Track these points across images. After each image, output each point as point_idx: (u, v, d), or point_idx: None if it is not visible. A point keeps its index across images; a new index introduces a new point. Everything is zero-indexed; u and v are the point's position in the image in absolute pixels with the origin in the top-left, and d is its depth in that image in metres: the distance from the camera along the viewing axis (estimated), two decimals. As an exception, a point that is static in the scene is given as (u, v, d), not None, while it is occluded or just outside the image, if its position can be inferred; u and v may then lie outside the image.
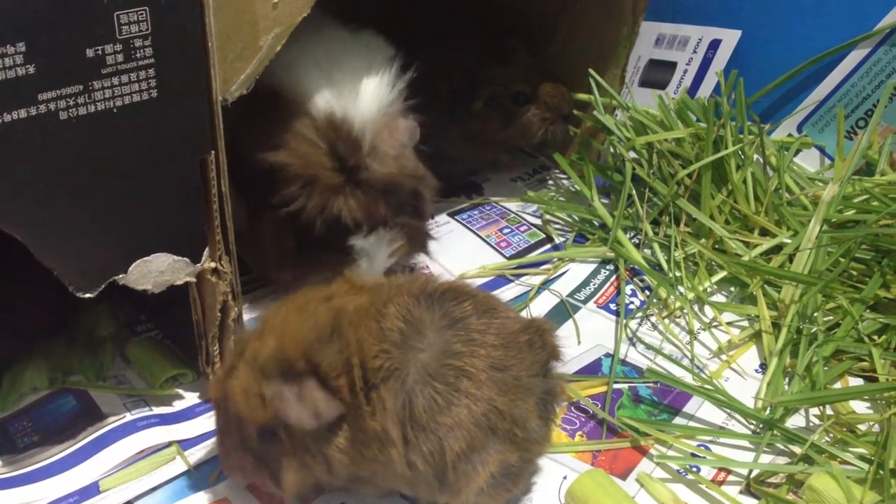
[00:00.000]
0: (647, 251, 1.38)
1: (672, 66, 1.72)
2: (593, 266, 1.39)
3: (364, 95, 1.12)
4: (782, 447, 1.03)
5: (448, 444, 0.80)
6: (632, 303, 1.30)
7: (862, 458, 0.99)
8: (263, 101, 1.10)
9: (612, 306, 1.31)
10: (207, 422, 1.06)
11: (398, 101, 1.17)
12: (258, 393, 0.83)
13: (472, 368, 0.81)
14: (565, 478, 0.99)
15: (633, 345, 1.22)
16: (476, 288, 0.91)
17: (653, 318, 1.27)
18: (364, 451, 0.83)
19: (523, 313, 1.26)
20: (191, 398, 1.10)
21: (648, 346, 1.21)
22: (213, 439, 1.03)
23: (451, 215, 1.53)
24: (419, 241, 1.21)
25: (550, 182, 1.70)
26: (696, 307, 1.28)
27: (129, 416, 1.05)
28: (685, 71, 1.70)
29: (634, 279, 1.36)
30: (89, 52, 0.80)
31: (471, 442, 0.81)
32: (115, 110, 0.83)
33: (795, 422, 1.07)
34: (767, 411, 1.07)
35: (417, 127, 1.17)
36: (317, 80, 1.12)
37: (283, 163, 1.08)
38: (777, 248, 1.30)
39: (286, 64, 1.11)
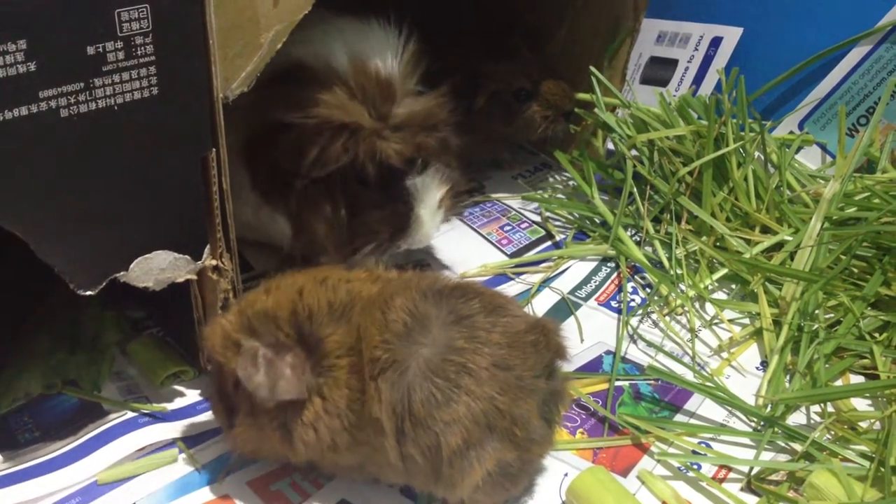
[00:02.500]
0: (648, 249, 1.38)
1: (673, 63, 1.72)
2: (594, 263, 1.39)
3: (381, 44, 1.14)
4: (783, 444, 1.03)
5: (444, 440, 0.80)
6: (633, 300, 1.30)
7: (863, 455, 0.99)
8: (288, 73, 1.11)
9: (613, 304, 1.31)
10: (209, 419, 1.06)
11: (413, 61, 1.19)
12: (236, 342, 0.84)
13: (474, 365, 0.81)
14: (566, 475, 0.99)
15: (634, 342, 1.22)
16: (484, 286, 0.91)
17: (654, 316, 1.27)
18: (357, 434, 0.84)
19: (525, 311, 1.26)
20: (192, 395, 1.10)
21: (649, 344, 1.21)
22: (216, 437, 1.04)
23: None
24: (458, 179, 1.23)
25: (551, 179, 1.70)
26: (697, 305, 1.28)
27: (130, 413, 1.05)
28: (686, 68, 1.70)
29: (635, 277, 1.36)
30: (90, 50, 0.80)
31: (467, 438, 0.81)
32: (116, 108, 0.84)
33: (796, 419, 1.07)
34: (768, 409, 1.07)
35: None
36: (336, 42, 1.14)
37: (325, 116, 1.09)
38: (778, 246, 1.30)
39: (304, 39, 1.13)
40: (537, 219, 1.53)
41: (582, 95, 1.55)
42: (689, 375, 1.14)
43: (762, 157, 1.41)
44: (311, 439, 0.85)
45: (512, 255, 1.43)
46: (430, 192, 1.17)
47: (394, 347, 0.81)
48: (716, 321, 1.25)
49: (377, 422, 0.82)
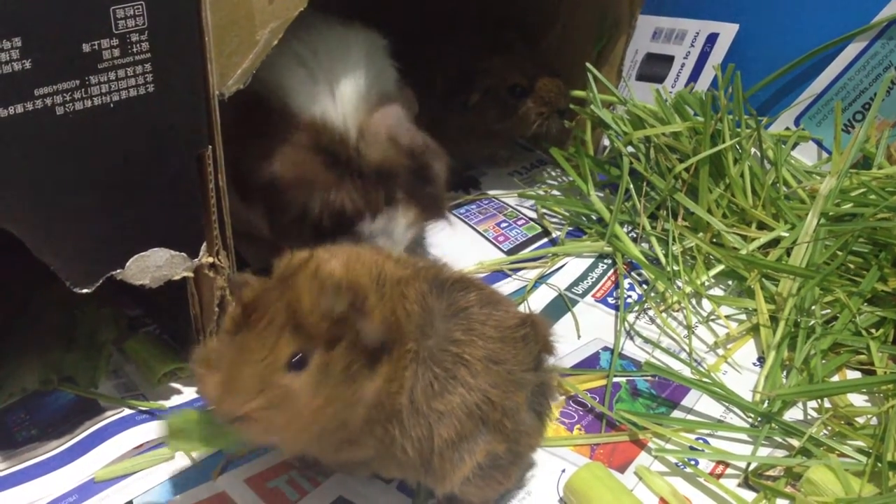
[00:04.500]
0: (645, 245, 1.38)
1: (669, 59, 1.72)
2: (591, 260, 1.40)
3: (342, 89, 1.11)
4: (780, 440, 1.03)
5: (437, 431, 0.80)
6: (629, 297, 1.31)
7: (860, 450, 0.99)
8: (248, 107, 1.09)
9: (610, 300, 1.31)
10: (206, 416, 1.06)
11: (387, 80, 1.17)
12: (322, 308, 0.77)
13: (470, 357, 0.81)
14: (564, 471, 0.99)
15: (631, 338, 1.22)
16: (484, 282, 0.91)
17: (650, 312, 1.27)
18: (374, 428, 0.81)
19: (522, 307, 1.26)
20: (189, 393, 1.10)
21: (646, 340, 1.21)
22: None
23: (449, 210, 1.53)
24: (432, 207, 1.20)
25: (547, 175, 1.70)
26: (693, 301, 1.29)
27: (127, 410, 1.05)
28: (682, 65, 1.70)
29: (632, 273, 1.36)
30: (85, 47, 0.80)
31: (460, 430, 0.81)
32: (111, 105, 0.83)
33: (793, 415, 1.07)
34: (765, 404, 1.07)
35: (412, 95, 1.17)
36: (298, 80, 1.12)
37: (278, 173, 1.08)
38: (775, 242, 1.30)
39: (269, 65, 1.11)
40: (534, 215, 1.53)
41: (578, 92, 1.55)
42: (686, 371, 1.14)
43: (758, 154, 1.41)
44: (360, 417, 0.80)
45: (508, 252, 1.43)
46: (392, 230, 1.15)
47: (417, 339, 0.81)
48: (712, 317, 1.25)
49: (398, 414, 0.80)
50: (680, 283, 1.28)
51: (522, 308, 1.23)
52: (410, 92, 1.21)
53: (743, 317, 1.26)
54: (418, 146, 1.14)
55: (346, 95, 1.12)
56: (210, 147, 0.93)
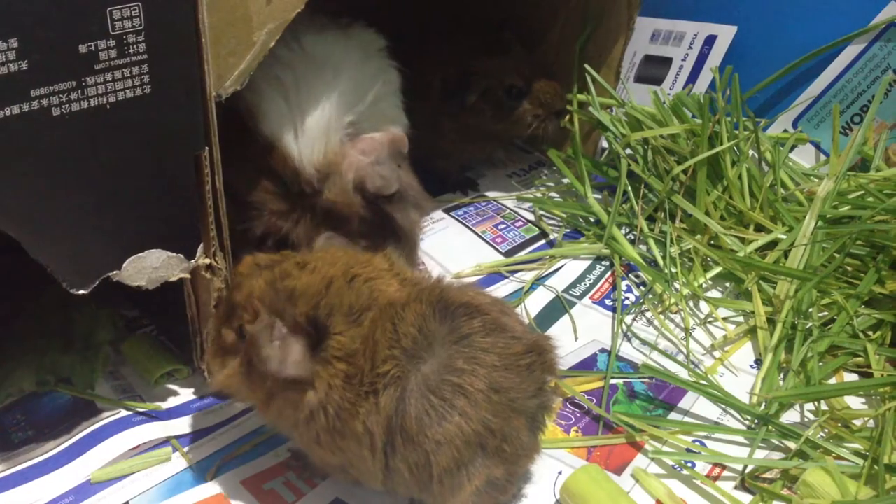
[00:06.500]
0: (643, 247, 1.38)
1: (668, 61, 1.72)
2: (588, 262, 1.39)
3: (310, 121, 1.08)
4: (777, 442, 1.03)
5: (435, 459, 0.80)
6: (627, 298, 1.30)
7: (857, 453, 0.99)
8: (230, 118, 1.08)
9: (608, 302, 1.31)
10: (203, 418, 1.06)
11: (384, 103, 1.15)
12: (257, 307, 0.84)
13: (471, 387, 0.80)
14: (560, 473, 0.99)
15: (629, 340, 1.22)
16: (493, 301, 0.89)
17: (648, 314, 1.27)
18: (340, 441, 0.83)
19: (518, 309, 1.26)
20: (186, 394, 1.10)
21: (644, 342, 1.21)
22: (209, 436, 1.04)
23: (447, 211, 1.53)
24: None
25: (545, 177, 1.70)
26: (691, 303, 1.29)
27: (123, 412, 1.05)
28: (681, 67, 1.70)
29: (630, 275, 1.36)
30: (82, 48, 0.80)
31: (458, 459, 0.81)
32: (108, 106, 0.83)
33: (790, 417, 1.07)
34: (762, 407, 1.07)
35: (404, 138, 1.13)
36: (273, 103, 1.09)
37: (234, 186, 1.05)
38: (772, 244, 1.30)
39: (250, 84, 1.10)
40: (532, 217, 1.53)
41: (576, 95, 1.55)
42: (683, 374, 1.14)
43: (756, 156, 1.41)
44: (289, 420, 0.86)
45: (506, 254, 1.43)
46: None
47: (401, 363, 0.81)
48: (710, 319, 1.25)
49: (364, 435, 0.81)
50: (677, 286, 1.28)
51: (519, 310, 1.24)
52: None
53: (740, 319, 1.26)
54: (387, 192, 1.10)
55: (310, 129, 1.08)
56: (207, 148, 0.93)
